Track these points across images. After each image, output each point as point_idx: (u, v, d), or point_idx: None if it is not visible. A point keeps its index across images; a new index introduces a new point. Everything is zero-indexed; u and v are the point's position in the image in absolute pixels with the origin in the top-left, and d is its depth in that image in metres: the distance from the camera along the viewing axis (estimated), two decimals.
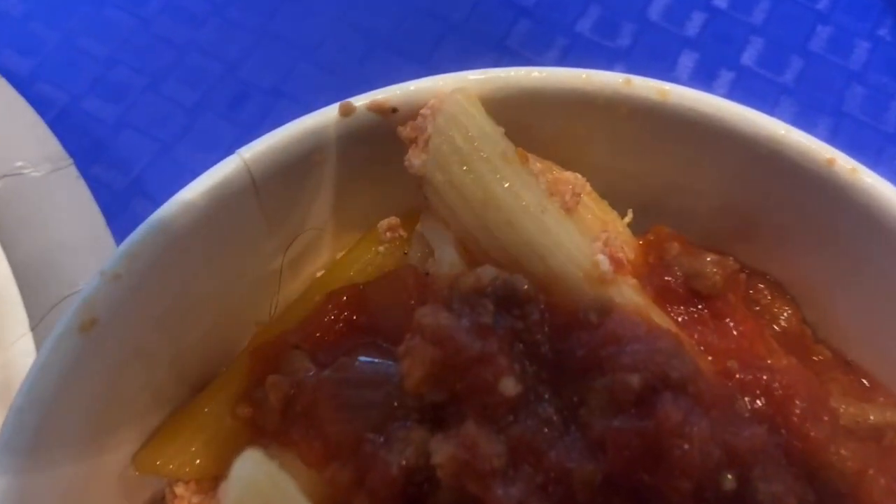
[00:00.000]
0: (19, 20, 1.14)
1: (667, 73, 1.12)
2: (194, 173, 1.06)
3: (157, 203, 1.00)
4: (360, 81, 1.12)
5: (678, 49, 1.14)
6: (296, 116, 1.09)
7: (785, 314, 0.72)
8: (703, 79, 1.12)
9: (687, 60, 1.13)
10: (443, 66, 1.06)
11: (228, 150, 1.08)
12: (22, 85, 1.05)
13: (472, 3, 1.16)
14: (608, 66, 1.11)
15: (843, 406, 0.65)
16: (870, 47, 1.15)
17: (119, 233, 0.96)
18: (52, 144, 0.94)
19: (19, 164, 0.91)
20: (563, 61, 1.12)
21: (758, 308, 0.72)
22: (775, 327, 0.72)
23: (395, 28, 1.14)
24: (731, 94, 1.11)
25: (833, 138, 1.06)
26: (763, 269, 0.74)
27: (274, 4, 1.16)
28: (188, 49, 1.13)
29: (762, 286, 0.73)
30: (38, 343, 0.85)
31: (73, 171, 0.93)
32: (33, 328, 0.86)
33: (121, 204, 1.01)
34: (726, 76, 1.12)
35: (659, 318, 0.62)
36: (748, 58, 1.14)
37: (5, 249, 0.88)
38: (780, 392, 0.63)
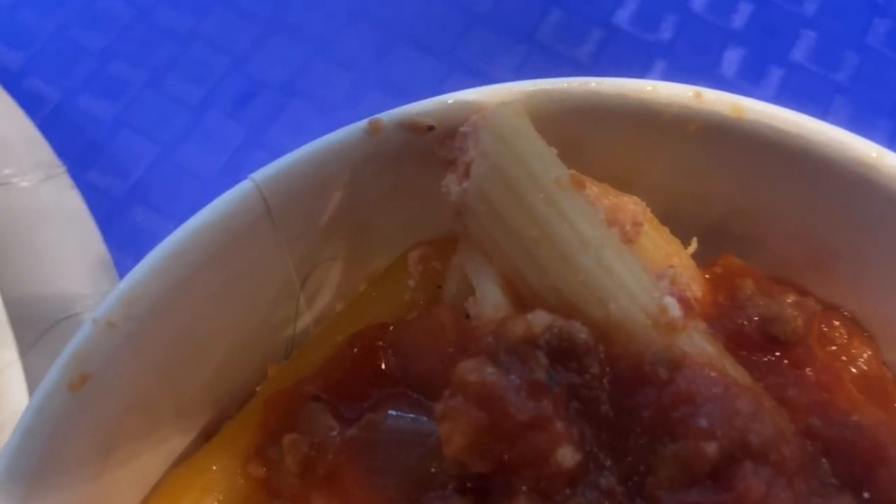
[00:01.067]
0: (7, 9, 1.06)
1: (711, 70, 1.04)
2: (198, 178, 0.99)
3: (160, 211, 0.93)
4: (379, 78, 1.04)
5: (723, 43, 1.05)
6: (309, 115, 1.01)
7: (864, 355, 0.64)
8: (749, 76, 1.03)
9: (732, 56, 1.04)
10: (467, 62, 0.97)
11: (237, 153, 1.01)
12: (10, 81, 0.97)
13: None
14: (647, 61, 1.02)
15: None
16: None
17: (117, 244, 0.89)
18: (44, 150, 0.86)
19: (7, 171, 0.83)
20: (598, 56, 1.03)
21: (833, 348, 0.64)
22: (853, 370, 0.64)
23: (416, 20, 1.05)
24: (781, 93, 1.03)
25: (892, 142, 0.98)
26: (837, 304, 0.66)
27: None
28: (192, 41, 1.04)
29: (837, 323, 0.65)
30: (28, 371, 0.78)
31: (66, 180, 0.85)
32: (23, 355, 0.78)
33: (119, 212, 0.94)
34: (775, 73, 1.04)
35: (734, 370, 0.54)
36: (799, 53, 1.05)
37: None
38: (869, 454, 0.55)
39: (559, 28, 1.05)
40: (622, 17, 1.06)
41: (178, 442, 0.61)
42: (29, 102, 0.95)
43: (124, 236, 0.91)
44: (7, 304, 0.79)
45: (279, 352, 0.64)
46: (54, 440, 0.49)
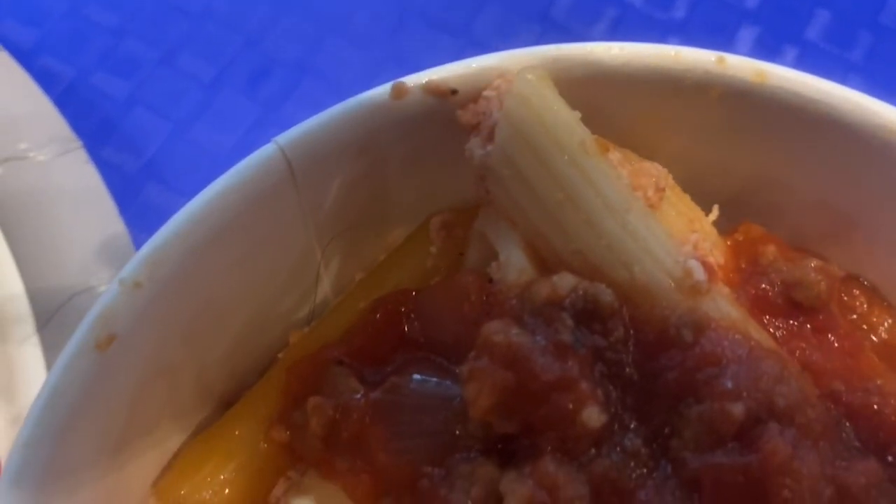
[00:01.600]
0: None
1: (724, 49, 1.01)
2: (212, 155, 0.99)
3: (174, 188, 0.93)
4: (393, 56, 1.04)
5: (737, 22, 1.04)
6: (322, 94, 1.01)
7: (885, 324, 0.63)
8: (763, 55, 1.02)
9: (746, 35, 1.04)
10: (482, 40, 0.97)
11: (250, 130, 1.01)
12: (25, 58, 0.97)
13: None
14: (661, 39, 1.01)
15: None
16: None
17: (132, 221, 0.88)
18: (59, 125, 0.86)
19: (23, 146, 0.83)
20: (612, 35, 1.03)
21: (854, 317, 0.64)
22: (873, 338, 0.64)
23: None
24: None
25: None
26: (858, 273, 0.65)
27: None
28: (205, 19, 1.04)
29: (857, 292, 0.65)
30: (45, 345, 0.78)
31: (81, 155, 0.84)
32: (40, 329, 0.78)
33: (133, 189, 0.94)
34: (789, 52, 1.03)
35: (758, 334, 0.54)
36: (813, 32, 1.05)
37: (8, 241, 0.81)
38: (894, 418, 0.55)
39: (573, 6, 1.05)
40: None
41: (198, 411, 0.61)
42: (43, 80, 0.95)
43: (138, 213, 0.91)
44: (24, 278, 0.79)
45: (300, 320, 0.64)
46: (80, 400, 0.49)
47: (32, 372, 0.76)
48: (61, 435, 0.48)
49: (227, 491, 0.57)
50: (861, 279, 0.66)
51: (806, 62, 1.03)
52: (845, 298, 0.65)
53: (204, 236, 0.52)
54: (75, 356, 0.48)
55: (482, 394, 0.49)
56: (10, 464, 0.48)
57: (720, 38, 1.04)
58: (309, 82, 1.02)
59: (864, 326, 0.64)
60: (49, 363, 0.77)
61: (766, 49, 1.04)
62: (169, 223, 0.51)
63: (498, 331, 0.50)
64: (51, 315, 0.78)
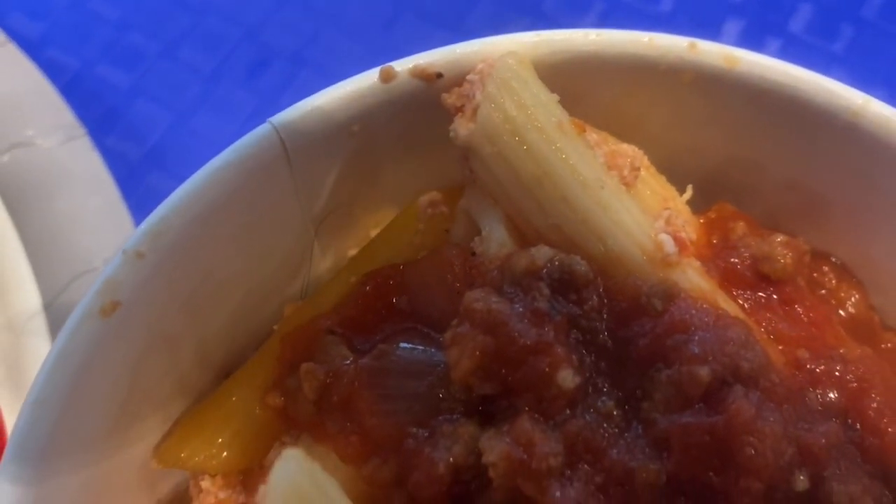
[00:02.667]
0: None
1: (710, 41, 1.06)
2: (213, 144, 1.01)
3: (175, 176, 0.96)
4: (387, 49, 1.07)
5: (723, 15, 1.08)
6: (319, 85, 1.03)
7: (852, 299, 0.67)
8: (748, 47, 1.04)
9: (732, 27, 1.07)
10: (475, 33, 0.99)
11: (248, 121, 1.04)
12: (31, 50, 1.00)
13: None
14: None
15: None
16: None
17: (134, 207, 0.92)
18: (65, 113, 0.89)
19: (30, 133, 0.87)
20: (600, 28, 1.05)
21: (823, 292, 0.67)
22: (841, 313, 0.67)
23: None
24: None
25: None
26: (828, 251, 0.69)
27: None
28: (205, 13, 1.07)
29: (826, 269, 0.68)
30: (52, 323, 0.81)
31: (86, 143, 0.88)
32: (46, 307, 0.81)
33: (136, 176, 0.97)
34: (773, 44, 1.06)
35: (726, 304, 0.57)
36: (796, 25, 1.08)
37: (16, 223, 0.84)
38: (855, 384, 0.58)
39: (563, 0, 1.08)
40: None
41: (198, 380, 0.64)
42: (49, 71, 0.98)
43: (141, 198, 0.94)
44: (31, 259, 0.82)
45: (294, 295, 0.67)
46: (86, 363, 0.52)
47: (38, 348, 0.79)
48: (68, 396, 0.51)
49: (224, 454, 0.60)
50: (831, 257, 0.69)
51: (789, 54, 1.05)
52: (815, 275, 0.68)
53: (202, 210, 0.55)
54: (81, 321, 0.51)
55: (464, 357, 0.52)
56: (20, 422, 0.51)
57: (706, 31, 1.07)
58: (305, 74, 1.05)
59: (833, 301, 0.67)
60: (54, 338, 0.80)
61: (751, 41, 1.07)
62: (170, 197, 0.54)
63: (479, 298, 0.53)
64: (56, 294, 0.81)
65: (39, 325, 0.81)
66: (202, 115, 1.03)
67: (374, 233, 0.68)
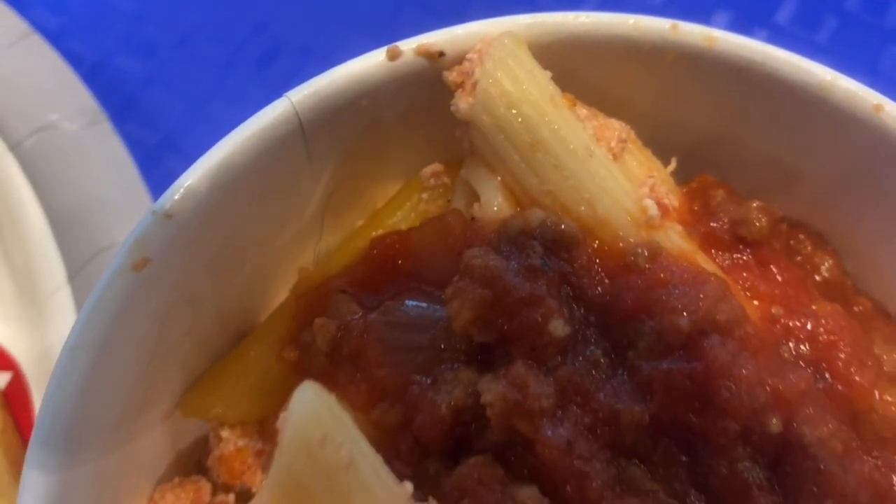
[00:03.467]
0: None
1: None
2: (226, 130, 1.06)
3: (190, 159, 1.00)
4: (391, 40, 1.12)
5: (712, 6, 1.13)
6: None
7: (826, 264, 0.71)
8: None
9: (720, 19, 1.12)
10: None
11: (258, 108, 1.08)
12: (52, 42, 1.05)
13: None
14: None
15: (887, 353, 0.65)
16: None
17: (153, 189, 0.97)
18: (87, 99, 0.94)
19: (54, 117, 0.92)
20: None
21: (799, 258, 0.72)
22: (816, 277, 0.71)
23: None
24: None
25: None
26: (804, 221, 0.73)
27: None
28: (217, 6, 1.13)
29: (803, 237, 0.73)
30: (76, 296, 0.86)
31: (107, 127, 0.93)
32: (71, 280, 0.86)
33: (154, 161, 1.02)
34: (759, 35, 1.11)
35: (705, 263, 0.62)
36: (782, 17, 1.13)
37: (41, 202, 0.89)
38: (825, 338, 0.63)
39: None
40: None
41: (216, 340, 0.69)
42: (69, 61, 1.03)
43: (158, 181, 0.99)
44: (56, 235, 0.87)
45: (307, 262, 0.72)
46: (118, 316, 0.57)
47: (65, 318, 0.84)
48: (102, 343, 0.56)
49: (243, 405, 0.65)
50: (808, 226, 0.74)
51: (775, 44, 1.11)
52: (792, 243, 0.73)
53: (225, 176, 0.60)
54: (115, 275, 0.56)
55: (464, 308, 0.57)
56: (58, 367, 0.56)
57: (695, 22, 1.12)
58: (313, 65, 1.08)
59: (808, 267, 0.72)
60: (79, 310, 0.85)
61: (738, 32, 1.11)
62: (196, 163, 0.59)
63: (477, 255, 0.58)
64: (80, 268, 0.86)
65: (64, 297, 0.86)
66: (215, 103, 1.08)
67: (380, 205, 0.73)
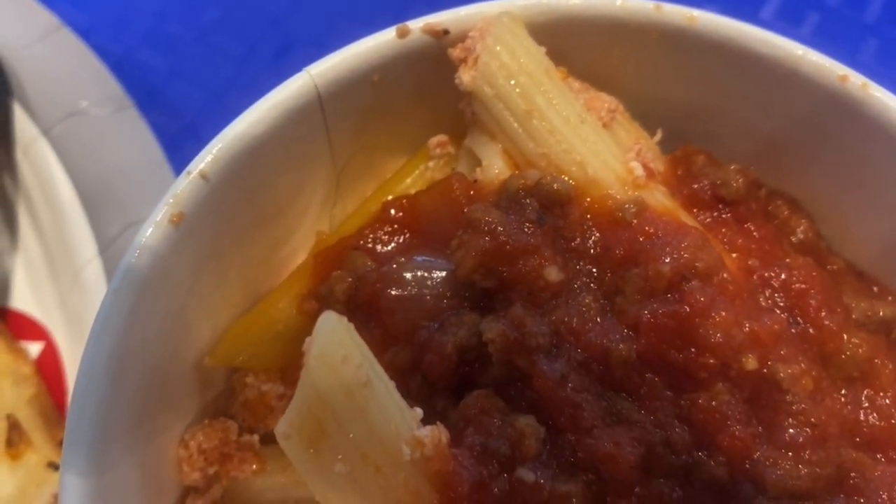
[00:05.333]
0: None
1: None
2: None
3: None
4: None
5: (699, 3, 1.19)
6: None
7: (801, 226, 0.77)
8: None
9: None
10: None
11: None
12: (79, 36, 1.12)
13: None
14: None
15: (855, 302, 0.71)
16: (883, 2, 1.21)
17: (175, 171, 1.03)
18: (114, 87, 1.01)
19: (85, 104, 0.98)
20: None
21: (776, 221, 0.78)
22: (792, 239, 0.77)
23: None
24: None
25: None
26: (782, 188, 0.79)
27: None
28: (235, 3, 1.19)
29: (780, 202, 0.79)
30: (107, 266, 0.92)
31: (133, 112, 0.99)
32: (102, 252, 0.92)
33: (175, 146, 1.08)
34: None
35: (687, 219, 0.68)
36: (767, 12, 1.19)
37: (73, 182, 0.95)
38: (797, 286, 0.69)
39: None
40: None
41: (240, 297, 0.75)
42: (96, 55, 1.10)
43: (180, 164, 1.05)
44: (87, 211, 0.94)
45: (323, 226, 0.78)
46: (157, 263, 0.63)
47: (97, 289, 0.91)
48: (142, 287, 0.62)
49: (266, 353, 0.70)
50: (784, 193, 0.80)
51: None
52: (770, 208, 0.79)
53: (252, 142, 0.66)
54: (155, 226, 0.62)
55: (468, 256, 0.63)
56: (102, 308, 0.62)
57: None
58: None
59: (785, 230, 0.78)
60: (109, 281, 0.91)
61: None
62: (226, 129, 0.66)
63: (479, 209, 0.64)
64: (111, 241, 0.92)
65: (96, 269, 0.92)
66: (232, 94, 1.15)
67: (390, 175, 0.79)
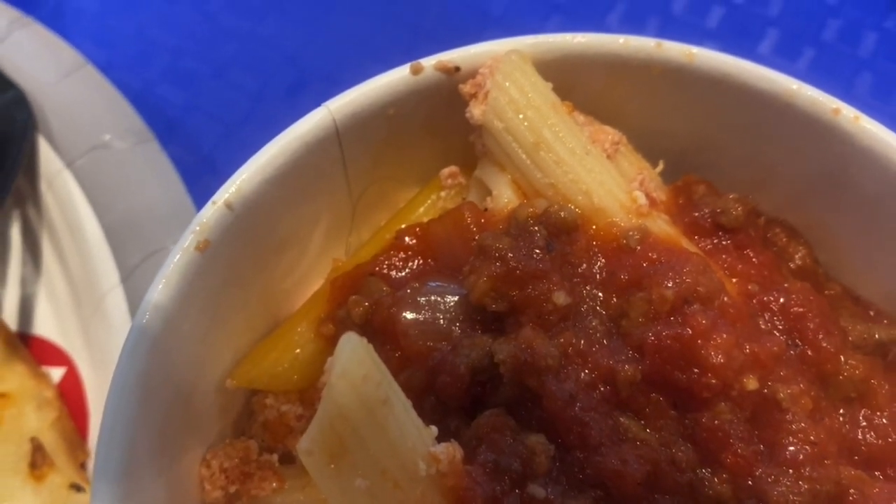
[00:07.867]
0: (95, 15, 1.26)
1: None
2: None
3: (226, 179, 1.12)
4: None
5: (700, 40, 1.21)
6: None
7: (799, 253, 0.80)
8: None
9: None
10: None
11: None
12: (101, 72, 1.16)
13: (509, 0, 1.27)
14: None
15: (852, 325, 0.73)
16: (877, 38, 1.25)
17: (195, 203, 1.06)
18: (136, 121, 1.04)
19: (107, 137, 1.02)
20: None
21: (775, 248, 0.81)
22: (790, 265, 0.80)
23: (438, 23, 1.25)
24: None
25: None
26: (780, 216, 0.82)
27: (328, 2, 1.27)
28: (250, 40, 1.24)
29: (778, 230, 0.82)
30: (129, 294, 0.95)
31: (155, 145, 1.03)
32: (123, 281, 0.96)
33: (194, 178, 1.11)
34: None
35: (688, 245, 0.72)
36: (765, 48, 1.23)
37: (96, 212, 0.99)
38: (796, 310, 0.71)
39: (558, 29, 1.24)
40: (612, 19, 1.25)
41: (261, 321, 0.78)
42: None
43: (199, 195, 1.09)
44: (110, 241, 0.97)
45: (340, 253, 0.82)
46: (184, 288, 0.66)
47: (118, 315, 0.94)
48: (169, 314, 0.65)
49: (286, 376, 0.73)
50: (783, 221, 0.83)
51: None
52: (769, 236, 0.82)
53: (274, 173, 0.69)
54: (183, 252, 0.66)
55: (479, 281, 0.66)
56: (132, 332, 0.65)
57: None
58: (338, 93, 1.21)
59: (784, 256, 0.81)
60: (132, 310, 0.95)
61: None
62: (250, 161, 0.69)
63: (490, 237, 0.67)
64: (132, 269, 0.95)
65: (117, 297, 0.95)
66: (248, 128, 1.19)
67: (404, 203, 0.82)
